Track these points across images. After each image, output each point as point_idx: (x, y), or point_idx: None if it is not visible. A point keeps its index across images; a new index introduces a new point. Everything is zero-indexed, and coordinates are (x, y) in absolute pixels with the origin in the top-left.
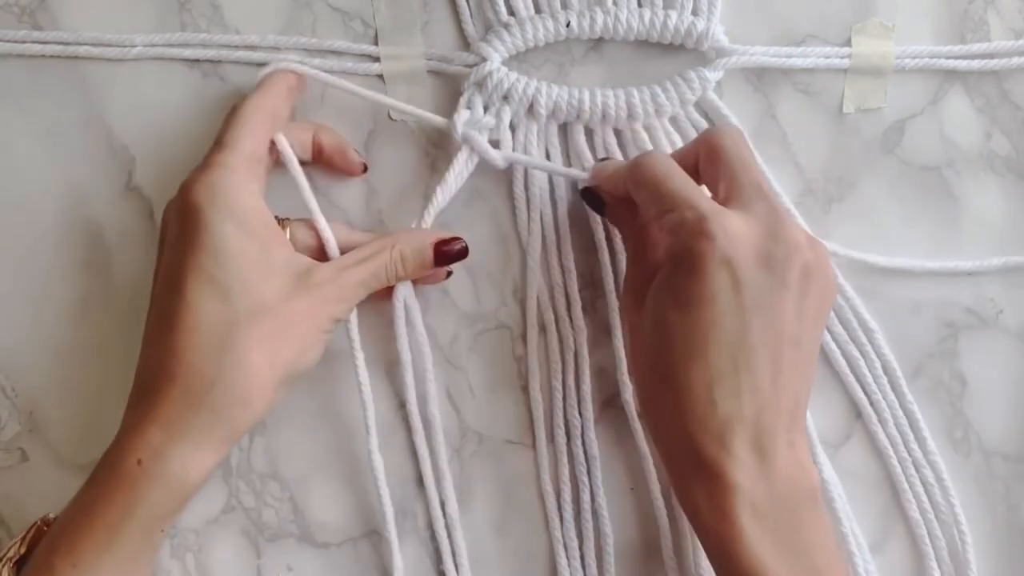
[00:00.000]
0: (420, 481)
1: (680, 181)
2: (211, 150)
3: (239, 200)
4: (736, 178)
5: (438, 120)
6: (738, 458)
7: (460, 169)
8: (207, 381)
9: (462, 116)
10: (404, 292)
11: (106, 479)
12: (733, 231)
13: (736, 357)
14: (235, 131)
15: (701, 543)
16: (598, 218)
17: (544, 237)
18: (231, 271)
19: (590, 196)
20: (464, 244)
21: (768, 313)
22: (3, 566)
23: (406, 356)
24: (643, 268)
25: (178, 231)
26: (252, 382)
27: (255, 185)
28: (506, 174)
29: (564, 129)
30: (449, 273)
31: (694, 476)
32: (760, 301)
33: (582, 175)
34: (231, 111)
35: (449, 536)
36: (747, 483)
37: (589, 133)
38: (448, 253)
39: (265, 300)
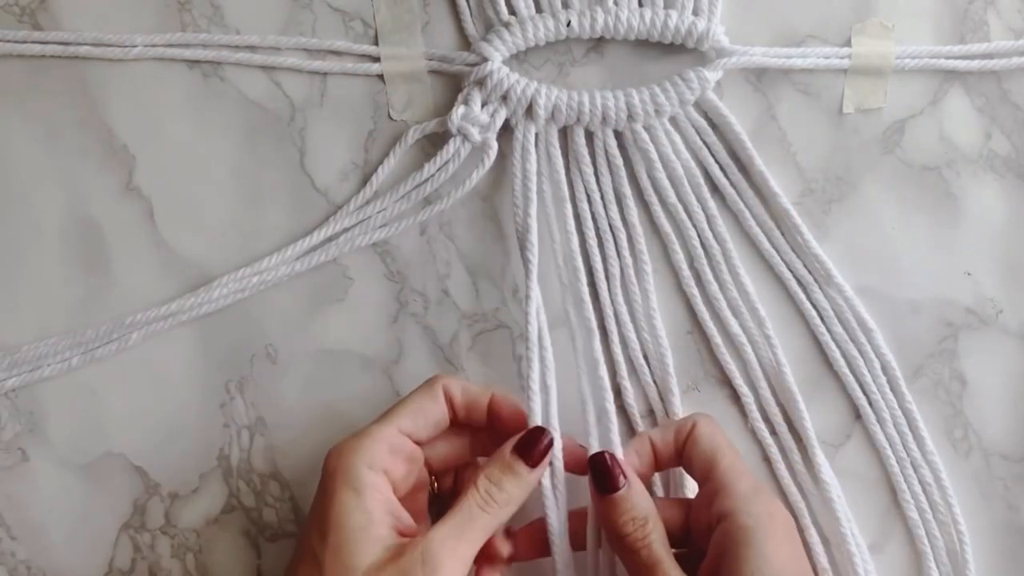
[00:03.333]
0: None
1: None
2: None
3: (362, 472)
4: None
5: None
6: None
7: (451, 153)
8: None
9: (459, 111)
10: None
11: None
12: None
13: None
14: (398, 410)
15: None
16: (591, 221)
17: (544, 237)
18: (329, 546)
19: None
20: (548, 437)
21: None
22: None
23: None
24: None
25: (316, 492)
26: None
27: (388, 462)
28: (506, 174)
29: (564, 132)
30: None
31: None
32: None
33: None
34: (424, 385)
35: None
36: None
37: (589, 136)
38: (531, 451)
39: (354, 569)
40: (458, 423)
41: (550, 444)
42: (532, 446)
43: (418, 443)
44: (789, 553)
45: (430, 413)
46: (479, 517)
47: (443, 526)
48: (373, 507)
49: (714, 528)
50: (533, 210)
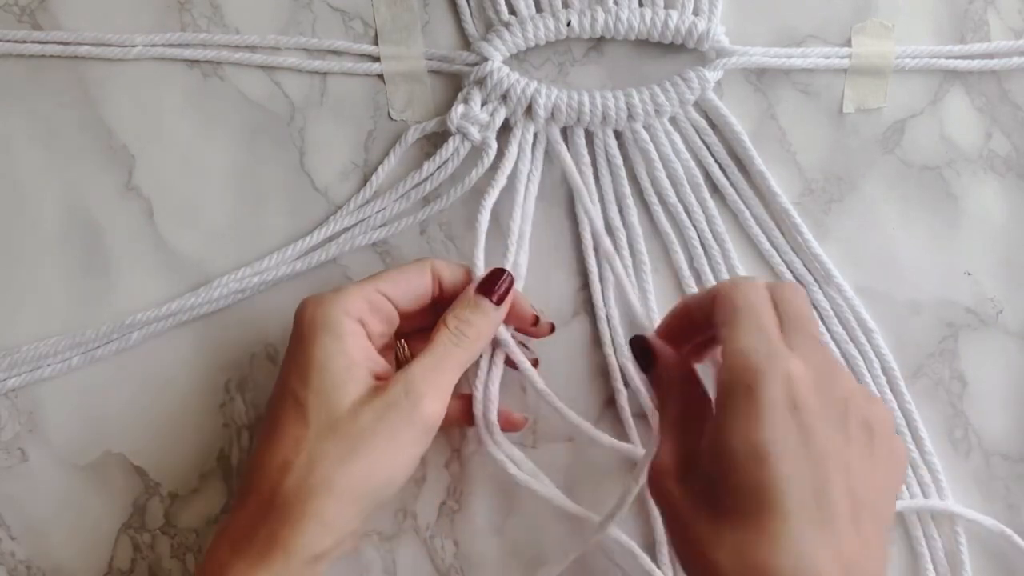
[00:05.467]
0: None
1: (768, 316)
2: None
3: (341, 318)
4: (794, 326)
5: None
6: None
7: (451, 152)
8: (267, 496)
9: (458, 110)
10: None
11: None
12: (797, 374)
13: (815, 506)
14: (383, 274)
15: None
16: (587, 224)
17: (543, 237)
18: (312, 388)
19: (640, 348)
20: (508, 277)
21: (841, 465)
22: None
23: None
24: (694, 433)
25: (289, 342)
26: (315, 498)
27: (365, 314)
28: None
29: (564, 132)
30: (552, 328)
31: None
32: (829, 450)
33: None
34: (415, 261)
35: None
36: None
37: (589, 136)
38: (493, 289)
39: (338, 414)
40: (442, 302)
41: (511, 283)
42: (493, 284)
43: (397, 309)
44: None
45: (413, 282)
46: (453, 351)
47: (422, 360)
48: (353, 351)
49: None
50: (532, 211)
